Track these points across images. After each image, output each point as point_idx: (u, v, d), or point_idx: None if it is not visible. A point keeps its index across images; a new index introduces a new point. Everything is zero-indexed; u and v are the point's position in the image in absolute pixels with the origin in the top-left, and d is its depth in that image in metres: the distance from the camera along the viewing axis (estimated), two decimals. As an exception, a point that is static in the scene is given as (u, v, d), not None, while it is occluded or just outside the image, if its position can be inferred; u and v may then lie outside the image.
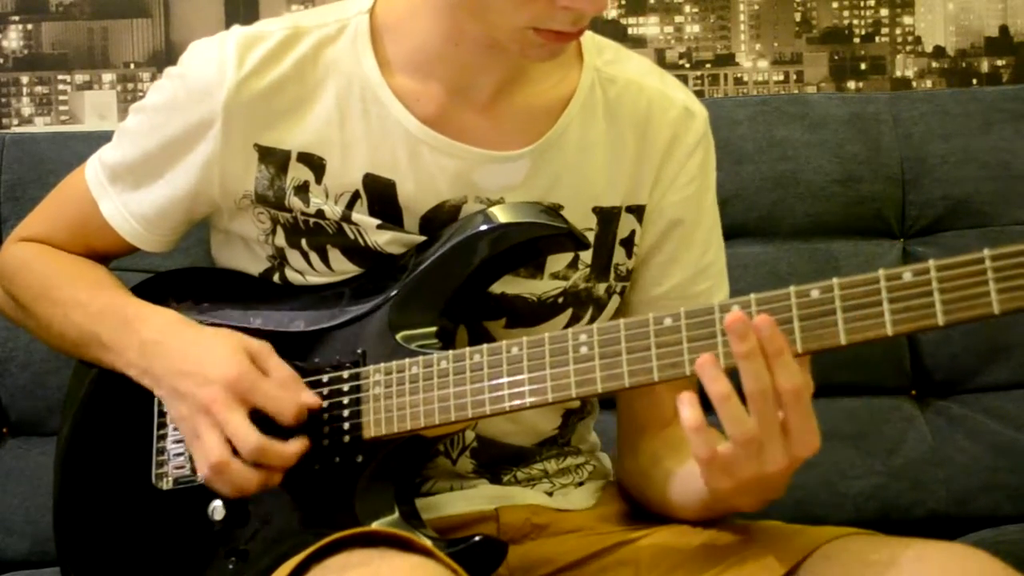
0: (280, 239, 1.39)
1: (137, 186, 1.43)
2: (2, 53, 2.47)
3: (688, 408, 1.15)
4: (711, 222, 1.46)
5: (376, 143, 1.36)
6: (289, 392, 1.31)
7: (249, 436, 1.27)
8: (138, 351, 1.36)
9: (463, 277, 1.34)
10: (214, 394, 1.29)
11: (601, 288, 1.43)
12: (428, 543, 1.22)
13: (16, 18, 2.46)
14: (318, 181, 1.37)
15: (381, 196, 1.37)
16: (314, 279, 1.39)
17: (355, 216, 1.37)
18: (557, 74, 1.40)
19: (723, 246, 1.49)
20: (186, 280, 1.49)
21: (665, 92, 1.44)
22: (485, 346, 1.27)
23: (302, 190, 1.37)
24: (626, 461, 1.47)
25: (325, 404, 1.32)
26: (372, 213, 1.37)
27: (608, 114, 1.41)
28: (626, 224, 1.43)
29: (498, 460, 1.44)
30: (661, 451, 1.40)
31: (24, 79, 2.48)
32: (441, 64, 1.35)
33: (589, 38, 1.43)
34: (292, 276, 1.40)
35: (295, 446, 1.29)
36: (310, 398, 1.31)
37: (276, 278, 1.41)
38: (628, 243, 1.43)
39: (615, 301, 1.44)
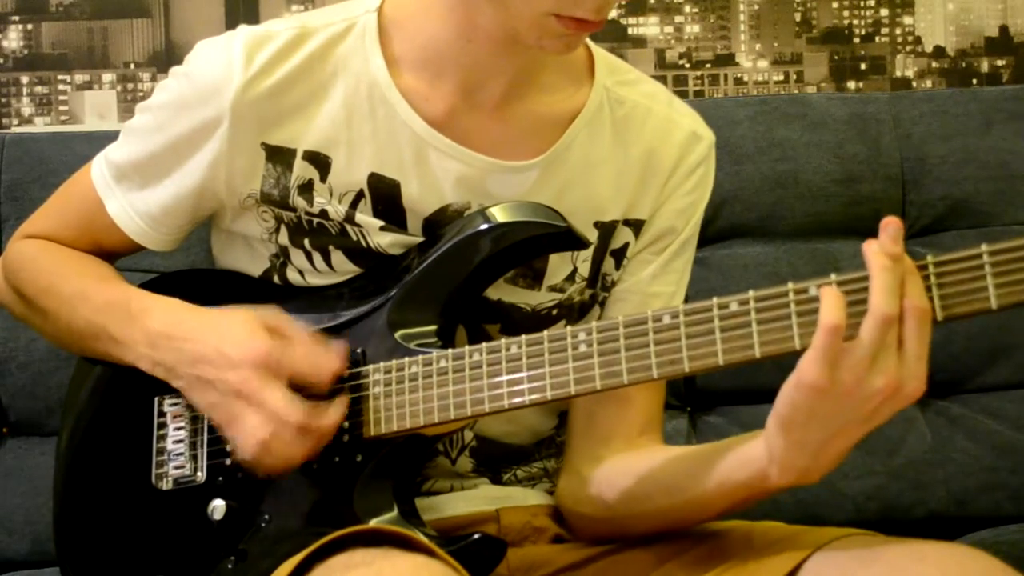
0: (284, 238, 1.39)
1: (143, 185, 1.43)
2: (2, 53, 2.47)
3: (833, 290, 1.11)
4: (690, 234, 1.46)
5: (382, 143, 1.36)
6: (319, 356, 1.30)
7: (293, 410, 1.27)
8: (146, 343, 1.35)
9: (464, 276, 1.34)
10: (246, 375, 1.28)
11: (587, 295, 1.43)
12: (427, 540, 1.22)
13: (16, 18, 2.46)
14: (322, 179, 1.37)
15: (385, 196, 1.37)
16: (315, 279, 1.39)
17: (358, 217, 1.37)
18: (567, 88, 1.41)
19: (691, 259, 1.48)
20: (189, 281, 1.49)
21: (672, 117, 1.45)
22: (484, 345, 1.27)
23: (306, 189, 1.37)
24: (584, 469, 1.42)
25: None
26: (376, 214, 1.37)
27: (615, 134, 1.42)
28: (621, 236, 1.43)
29: (497, 459, 1.44)
30: (645, 455, 1.38)
31: (24, 79, 2.48)
32: (452, 62, 1.35)
33: (601, 56, 1.44)
34: (292, 276, 1.40)
35: (337, 410, 1.29)
36: (340, 348, 1.31)
37: (276, 279, 1.41)
38: (619, 254, 1.44)
39: (595, 310, 1.44)
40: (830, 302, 1.11)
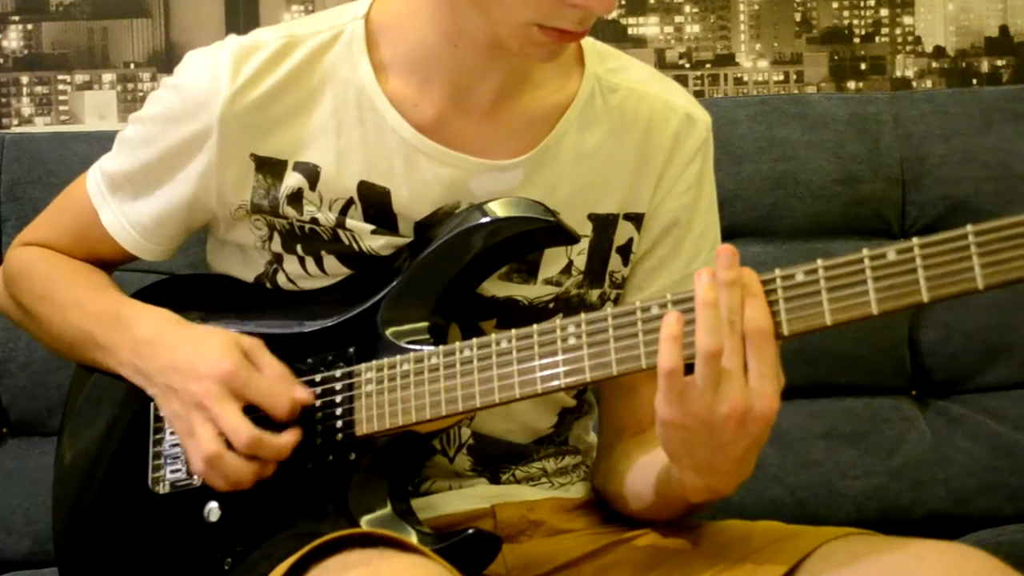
0: (277, 245, 1.40)
1: (136, 196, 1.44)
2: (2, 53, 2.47)
3: (674, 319, 1.15)
4: (702, 229, 1.45)
5: (372, 151, 1.36)
6: (282, 387, 1.31)
7: (242, 429, 1.28)
8: (130, 350, 1.37)
9: (454, 272, 1.34)
10: (207, 388, 1.30)
11: (594, 295, 1.43)
12: (415, 541, 1.23)
13: (16, 18, 2.46)
14: (312, 188, 1.37)
15: (375, 203, 1.37)
16: (307, 284, 1.40)
17: (349, 222, 1.37)
18: (557, 80, 1.40)
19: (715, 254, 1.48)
20: (183, 287, 1.50)
21: (667, 100, 1.44)
22: (475, 340, 1.27)
23: (295, 198, 1.37)
24: (601, 462, 1.47)
25: (318, 403, 1.33)
26: (367, 219, 1.37)
27: (609, 122, 1.41)
28: (623, 232, 1.43)
29: (495, 458, 1.44)
30: (631, 448, 1.40)
31: (24, 79, 2.48)
32: (439, 67, 1.35)
33: (591, 45, 1.43)
34: (284, 282, 1.40)
35: (288, 437, 1.30)
36: (303, 394, 1.32)
37: (268, 284, 1.42)
38: (625, 251, 1.43)
39: (608, 308, 1.44)
40: (665, 348, 1.15)
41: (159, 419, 1.40)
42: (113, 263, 1.51)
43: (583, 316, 1.23)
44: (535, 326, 1.25)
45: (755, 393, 1.14)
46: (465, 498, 1.41)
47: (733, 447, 1.17)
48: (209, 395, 1.29)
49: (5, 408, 1.92)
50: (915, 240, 1.10)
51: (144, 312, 1.40)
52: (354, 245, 1.38)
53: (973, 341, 1.96)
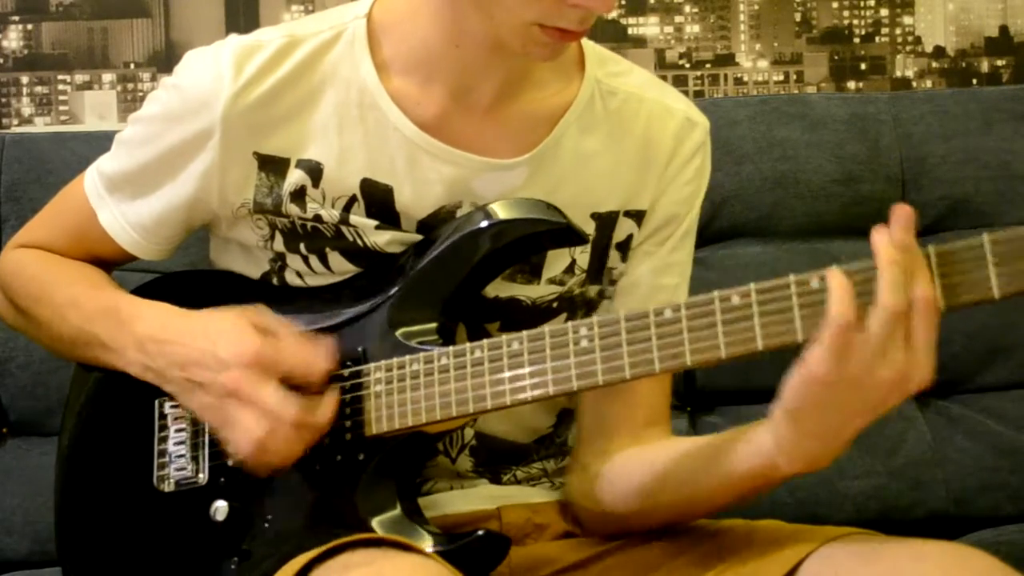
0: (279, 244, 1.40)
1: (135, 196, 1.43)
2: (2, 53, 2.47)
3: (842, 271, 1.11)
4: (690, 225, 1.46)
5: (374, 148, 1.37)
6: (308, 347, 1.31)
7: (289, 405, 1.27)
8: (135, 348, 1.36)
9: (463, 273, 1.34)
10: (238, 375, 1.28)
11: (593, 291, 1.43)
12: (428, 545, 1.23)
13: (16, 18, 2.46)
14: (315, 185, 1.37)
15: (378, 201, 1.37)
16: (313, 281, 1.39)
17: (353, 219, 1.37)
18: (558, 82, 1.41)
19: (692, 251, 1.48)
20: (187, 284, 1.49)
21: (666, 104, 1.44)
22: (485, 341, 1.27)
23: (298, 196, 1.37)
24: (591, 465, 1.43)
25: None
26: (369, 216, 1.37)
27: (608, 126, 1.42)
28: (623, 228, 1.43)
29: (497, 458, 1.44)
30: (650, 450, 1.38)
31: (24, 79, 2.48)
32: (442, 65, 1.35)
33: (591, 48, 1.44)
34: (291, 279, 1.40)
35: (329, 399, 1.30)
36: (329, 345, 1.31)
37: (275, 281, 1.41)
38: (624, 247, 1.44)
39: (605, 304, 1.44)
40: (838, 295, 1.11)
41: (164, 416, 1.39)
42: (112, 263, 1.51)
43: (595, 319, 1.22)
44: (546, 327, 1.25)
45: (916, 363, 1.12)
46: (469, 498, 1.42)
47: (864, 417, 1.16)
48: (242, 381, 1.28)
49: (5, 408, 1.92)
50: (931, 248, 1.10)
51: (144, 308, 1.39)
52: (358, 241, 1.38)
53: (973, 341, 1.97)
